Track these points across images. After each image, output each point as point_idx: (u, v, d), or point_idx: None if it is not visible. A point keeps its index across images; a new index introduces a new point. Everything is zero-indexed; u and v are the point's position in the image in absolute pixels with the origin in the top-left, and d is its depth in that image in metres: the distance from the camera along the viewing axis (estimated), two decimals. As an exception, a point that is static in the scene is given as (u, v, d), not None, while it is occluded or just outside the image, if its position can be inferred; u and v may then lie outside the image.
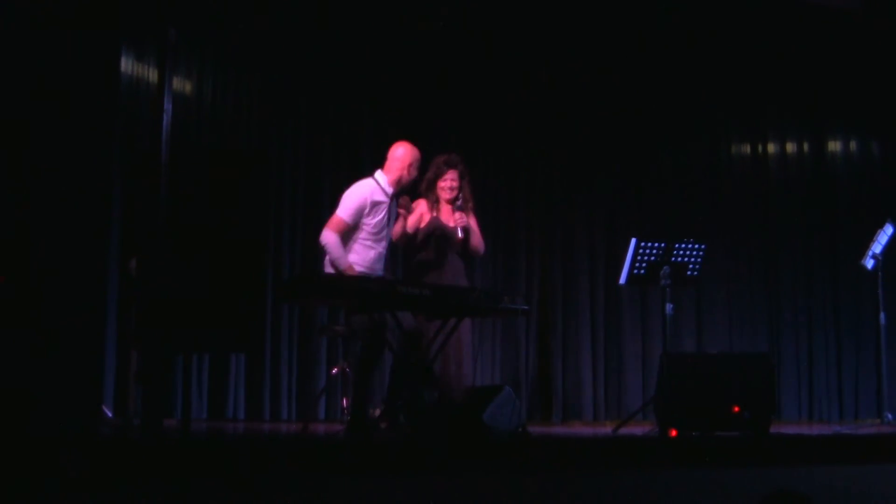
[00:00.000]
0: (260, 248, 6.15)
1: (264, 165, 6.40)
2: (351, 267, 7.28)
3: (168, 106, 5.54)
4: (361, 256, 7.41)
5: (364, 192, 7.45)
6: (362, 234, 7.39)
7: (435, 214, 7.85)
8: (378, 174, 7.54)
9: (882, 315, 8.55)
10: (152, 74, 9.37)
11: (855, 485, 6.81)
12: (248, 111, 10.32)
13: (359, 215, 7.35)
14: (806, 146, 12.03)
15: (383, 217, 7.45)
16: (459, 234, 7.74)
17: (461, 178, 7.88)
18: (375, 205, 7.41)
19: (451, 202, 7.85)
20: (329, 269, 7.38)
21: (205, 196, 5.62)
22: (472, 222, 7.90)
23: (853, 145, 12.08)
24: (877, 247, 8.59)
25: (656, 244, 8.10)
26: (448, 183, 7.85)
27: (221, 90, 10.31)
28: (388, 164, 7.57)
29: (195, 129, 9.97)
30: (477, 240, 7.91)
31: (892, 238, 8.64)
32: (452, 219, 7.81)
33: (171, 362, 7.78)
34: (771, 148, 12.04)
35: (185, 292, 5.48)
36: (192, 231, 5.58)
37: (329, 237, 7.32)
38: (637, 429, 8.00)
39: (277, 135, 10.38)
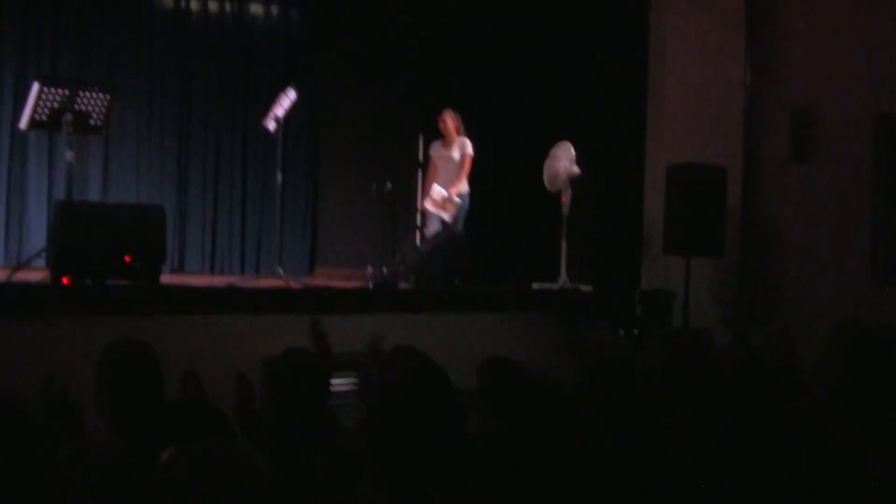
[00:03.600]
0: None
1: None
2: None
3: None
4: None
5: None
6: None
7: None
8: None
9: (279, 175, 8.94)
10: None
11: (239, 331, 7.20)
12: None
13: None
14: (228, 6, 12.17)
15: None
16: None
17: None
18: None
19: None
20: None
21: None
22: None
23: (274, 9, 12.40)
24: (279, 109, 8.92)
25: (59, 89, 7.91)
26: None
27: None
28: None
29: None
30: None
31: (294, 102, 9.01)
32: None
33: None
34: (194, 5, 12.04)
35: None
36: None
37: None
38: (34, 275, 7.85)
39: None
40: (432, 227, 10.17)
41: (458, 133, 10.22)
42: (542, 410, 3.44)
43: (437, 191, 9.97)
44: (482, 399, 3.81)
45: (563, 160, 9.84)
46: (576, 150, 9.84)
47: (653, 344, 5.68)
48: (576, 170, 9.76)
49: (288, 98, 8.96)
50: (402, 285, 9.23)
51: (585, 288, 9.57)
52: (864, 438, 3.66)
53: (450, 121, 10.22)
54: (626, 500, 3.27)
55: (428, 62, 11.75)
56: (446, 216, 9.96)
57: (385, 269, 9.34)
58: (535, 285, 9.74)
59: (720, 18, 10.21)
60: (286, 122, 9.02)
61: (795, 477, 3.34)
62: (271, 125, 8.94)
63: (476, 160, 10.12)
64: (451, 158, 10.21)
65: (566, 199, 9.76)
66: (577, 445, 3.37)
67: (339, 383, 6.88)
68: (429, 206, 10.04)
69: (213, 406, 3.74)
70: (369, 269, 9.32)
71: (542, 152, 10.07)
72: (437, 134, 10.40)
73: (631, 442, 3.64)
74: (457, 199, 9.96)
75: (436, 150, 10.44)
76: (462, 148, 10.16)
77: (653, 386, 4.14)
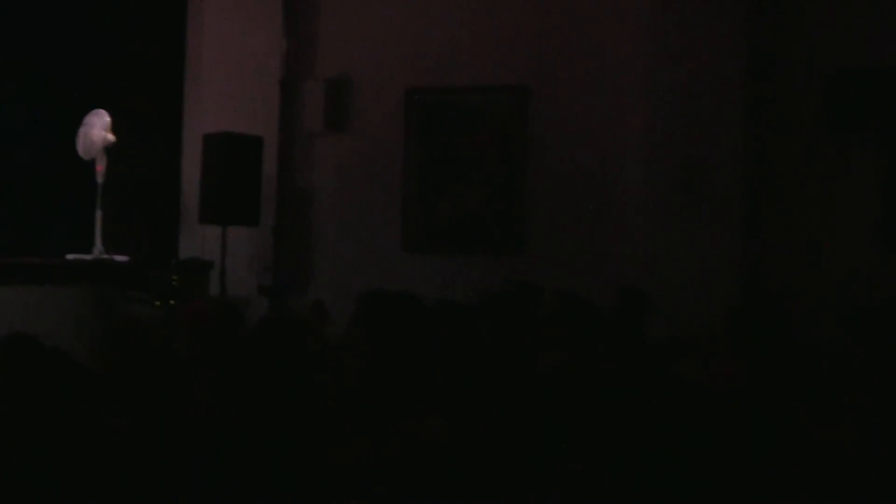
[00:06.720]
0: None
1: None
2: None
3: None
4: None
5: None
6: None
7: None
8: None
9: None
10: None
11: None
12: None
13: None
14: None
15: None
16: None
17: None
18: None
19: None
20: None
21: None
22: None
23: None
24: None
25: None
26: None
27: None
28: None
29: None
30: None
31: None
32: None
33: None
34: None
35: None
36: None
37: None
38: None
39: None
40: None
41: None
42: (52, 389, 3.37)
43: None
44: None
45: (98, 128, 9.57)
46: (112, 117, 9.61)
47: (178, 316, 5.70)
48: (111, 138, 9.54)
49: None
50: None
51: (121, 258, 9.41)
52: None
53: None
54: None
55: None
56: None
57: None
58: (69, 256, 9.46)
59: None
60: None
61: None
62: None
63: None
64: None
65: (101, 167, 9.53)
66: (89, 423, 3.33)
67: None
68: None
69: None
70: None
71: (75, 120, 9.74)
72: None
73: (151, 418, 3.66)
74: None
75: None
76: None
77: (173, 359, 4.15)
